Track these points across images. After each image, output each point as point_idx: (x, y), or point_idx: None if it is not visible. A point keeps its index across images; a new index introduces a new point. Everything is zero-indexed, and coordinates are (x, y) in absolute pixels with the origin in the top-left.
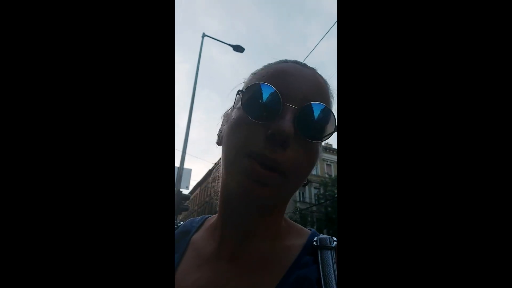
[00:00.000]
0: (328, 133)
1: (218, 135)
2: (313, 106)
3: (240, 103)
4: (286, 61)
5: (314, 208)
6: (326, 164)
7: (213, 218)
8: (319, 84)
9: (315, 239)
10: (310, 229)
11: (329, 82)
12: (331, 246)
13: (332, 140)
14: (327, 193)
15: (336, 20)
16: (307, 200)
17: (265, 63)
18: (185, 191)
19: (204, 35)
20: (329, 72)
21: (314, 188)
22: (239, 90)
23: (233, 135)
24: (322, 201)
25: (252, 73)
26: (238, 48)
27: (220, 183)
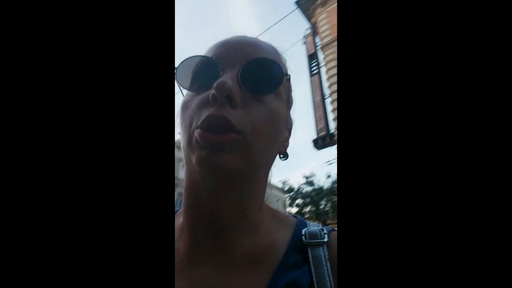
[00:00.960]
0: (276, 83)
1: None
2: (253, 61)
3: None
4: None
5: None
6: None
7: (179, 218)
8: (258, 44)
9: (303, 232)
10: (296, 216)
11: None
12: (323, 242)
13: None
14: None
15: None
16: None
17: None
18: None
19: None
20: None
21: None
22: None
23: (180, 120)
24: None
25: (185, 59)
26: None
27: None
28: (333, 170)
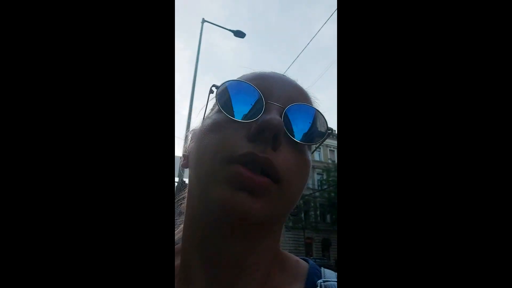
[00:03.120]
0: (318, 136)
1: (184, 155)
2: (300, 106)
3: (213, 104)
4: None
5: (317, 194)
6: (330, 150)
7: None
8: (302, 89)
9: (318, 283)
10: (307, 260)
11: (331, 68)
12: None
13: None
14: (330, 179)
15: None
16: (310, 186)
17: (268, 49)
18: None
19: (204, 21)
20: (334, 57)
21: (317, 174)
22: (212, 85)
23: (207, 140)
24: (325, 187)
25: (227, 81)
26: (239, 34)
27: (185, 206)
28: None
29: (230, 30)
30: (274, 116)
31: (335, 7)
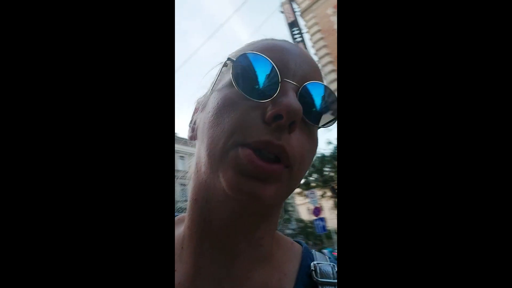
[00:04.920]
0: (331, 118)
1: (190, 126)
2: (316, 85)
3: (228, 77)
4: (275, 39)
5: None
6: None
7: (179, 227)
8: (315, 63)
9: (312, 266)
10: (300, 242)
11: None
12: (335, 282)
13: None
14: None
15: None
16: None
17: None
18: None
19: None
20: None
21: None
22: (227, 58)
23: (220, 117)
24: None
25: (242, 54)
26: None
27: (191, 186)
28: (333, 136)
29: None
30: (292, 99)
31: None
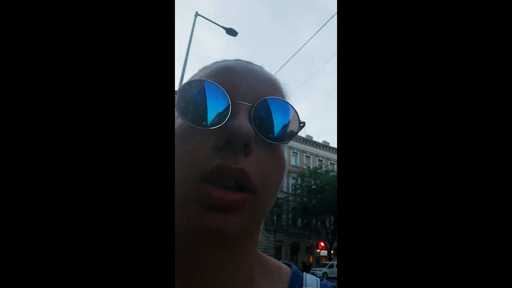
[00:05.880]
0: (291, 132)
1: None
2: (269, 101)
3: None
4: (227, 60)
5: (291, 197)
6: (306, 155)
7: None
8: (271, 79)
9: None
10: (289, 264)
11: (312, 77)
12: None
13: (316, 134)
14: (304, 184)
15: (331, 16)
16: (284, 189)
17: (257, 50)
18: None
19: (197, 14)
20: (316, 65)
21: (292, 178)
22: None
23: (178, 153)
24: (299, 191)
25: (187, 82)
26: (231, 32)
27: None
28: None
29: (222, 27)
30: (242, 122)
31: (325, 18)
